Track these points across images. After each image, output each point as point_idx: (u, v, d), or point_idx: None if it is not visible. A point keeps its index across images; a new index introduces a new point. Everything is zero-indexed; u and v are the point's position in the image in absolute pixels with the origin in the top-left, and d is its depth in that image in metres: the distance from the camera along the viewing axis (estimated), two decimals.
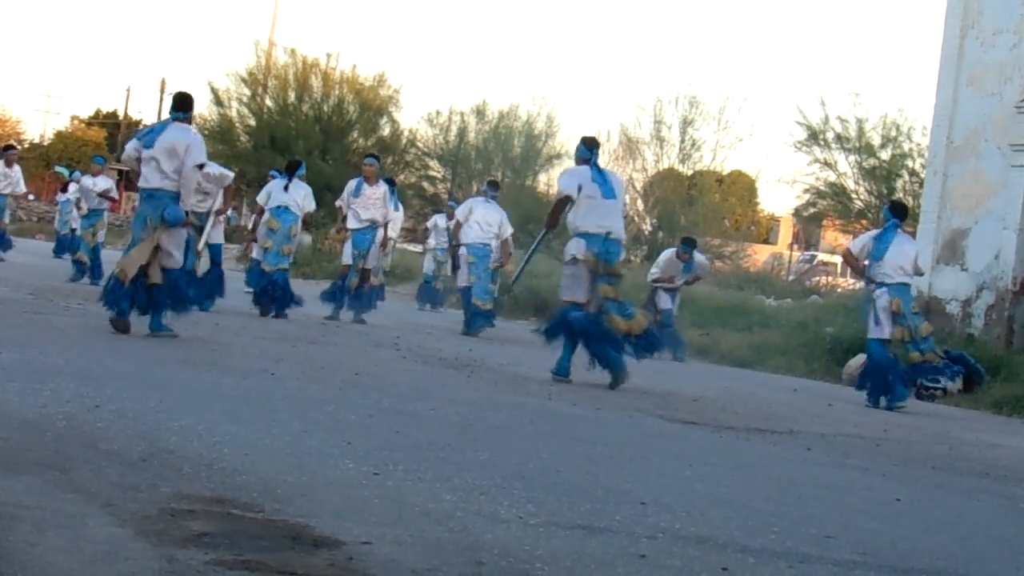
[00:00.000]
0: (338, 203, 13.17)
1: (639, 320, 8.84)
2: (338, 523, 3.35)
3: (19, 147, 25.40)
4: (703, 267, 14.48)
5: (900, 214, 10.82)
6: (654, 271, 14.27)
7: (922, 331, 10.46)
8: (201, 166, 8.87)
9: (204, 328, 9.41)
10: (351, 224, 12.76)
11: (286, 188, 12.66)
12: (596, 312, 8.81)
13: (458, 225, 13.83)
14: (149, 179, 8.69)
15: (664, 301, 13.81)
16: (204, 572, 2.78)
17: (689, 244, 14.10)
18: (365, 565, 2.98)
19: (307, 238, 12.77)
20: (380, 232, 12.99)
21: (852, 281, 29.64)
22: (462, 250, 13.74)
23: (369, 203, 12.65)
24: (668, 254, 14.27)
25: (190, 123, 9.06)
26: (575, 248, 8.89)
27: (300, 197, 12.64)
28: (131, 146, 8.98)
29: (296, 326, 11.00)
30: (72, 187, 17.30)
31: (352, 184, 12.93)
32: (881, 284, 10.37)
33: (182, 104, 8.96)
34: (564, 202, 8.97)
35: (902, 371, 10.39)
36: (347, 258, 12.84)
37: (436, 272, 18.10)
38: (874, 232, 10.93)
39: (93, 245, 14.90)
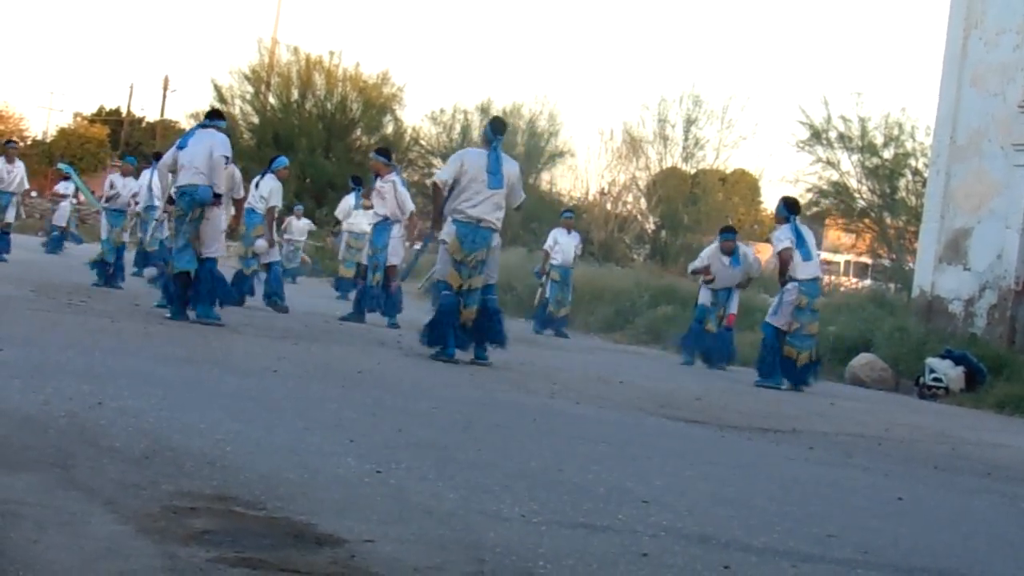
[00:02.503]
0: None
1: (470, 311, 8.96)
2: (340, 521, 3.34)
3: (21, 143, 25.14)
4: (754, 265, 13.14)
5: (796, 209, 11.39)
6: (695, 263, 13.46)
7: (809, 329, 10.93)
8: (227, 158, 9.66)
9: (206, 326, 9.41)
10: (370, 220, 12.64)
11: (257, 185, 12.59)
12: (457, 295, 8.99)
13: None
14: (183, 177, 9.63)
15: (703, 296, 13.08)
16: (206, 570, 2.77)
17: (730, 232, 13.12)
18: (367, 563, 2.97)
19: (262, 243, 12.52)
20: (397, 227, 12.36)
21: (856, 280, 29.62)
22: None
23: (379, 198, 12.33)
24: (711, 247, 13.26)
25: (218, 131, 9.95)
26: (445, 232, 9.12)
27: (266, 192, 12.49)
28: (169, 154, 10.02)
29: (299, 324, 11.00)
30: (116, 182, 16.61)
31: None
32: (793, 279, 10.93)
33: (214, 114, 10.37)
34: (437, 192, 9.14)
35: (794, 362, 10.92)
36: (363, 256, 12.73)
37: None
38: (786, 231, 11.07)
39: (118, 245, 14.67)
